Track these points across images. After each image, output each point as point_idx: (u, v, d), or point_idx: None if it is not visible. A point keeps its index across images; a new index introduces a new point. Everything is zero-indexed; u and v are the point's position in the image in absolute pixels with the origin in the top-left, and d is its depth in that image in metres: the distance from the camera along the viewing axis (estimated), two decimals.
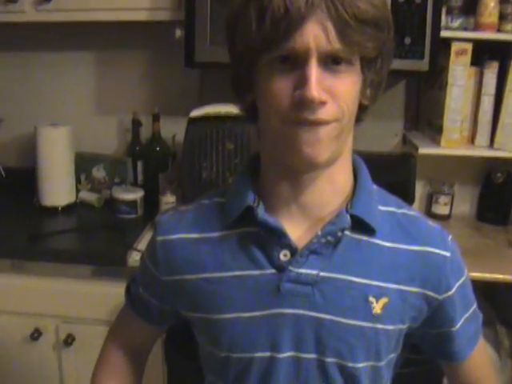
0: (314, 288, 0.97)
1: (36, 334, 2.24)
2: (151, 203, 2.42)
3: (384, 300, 1.00)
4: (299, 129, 0.89)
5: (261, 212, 0.98)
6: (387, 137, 2.62)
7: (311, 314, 0.98)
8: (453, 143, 2.25)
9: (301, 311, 0.98)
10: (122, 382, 1.23)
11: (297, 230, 0.99)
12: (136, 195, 2.41)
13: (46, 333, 2.25)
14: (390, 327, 1.01)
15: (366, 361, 1.01)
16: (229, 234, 1.02)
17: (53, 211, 2.50)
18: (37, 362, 2.31)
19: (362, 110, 0.98)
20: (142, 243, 2.21)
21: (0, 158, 2.78)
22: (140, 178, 2.61)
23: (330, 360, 1.00)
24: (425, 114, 2.53)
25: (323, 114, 0.88)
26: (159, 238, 1.07)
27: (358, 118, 0.98)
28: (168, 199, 2.31)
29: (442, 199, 2.55)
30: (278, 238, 0.98)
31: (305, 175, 0.96)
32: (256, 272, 0.99)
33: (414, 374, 1.76)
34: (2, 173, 2.75)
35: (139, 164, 2.60)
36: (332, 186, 0.99)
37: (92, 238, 2.28)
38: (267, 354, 1.00)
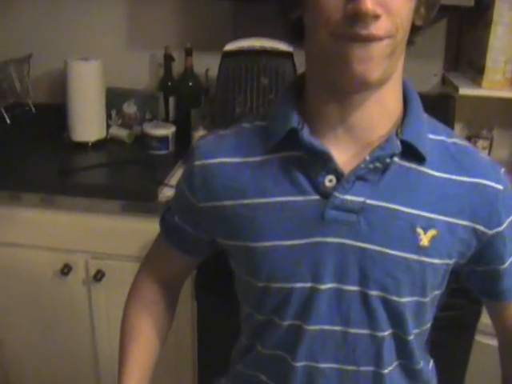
0: (359, 216, 0.92)
1: (66, 270, 2.23)
2: (183, 139, 2.37)
3: (432, 232, 0.95)
4: (350, 45, 0.83)
5: (306, 134, 0.93)
6: (426, 77, 2.53)
7: (356, 243, 0.93)
8: (494, 84, 2.17)
9: (345, 240, 0.93)
10: (154, 315, 1.20)
11: (343, 155, 0.93)
12: (168, 131, 2.36)
13: (76, 268, 2.24)
14: (436, 261, 0.96)
15: (410, 295, 0.96)
16: (271, 158, 0.97)
17: (83, 147, 2.46)
18: (66, 297, 2.31)
19: (413, 31, 0.92)
20: (174, 179, 2.17)
21: (30, 93, 2.73)
22: (172, 113, 2.56)
23: (373, 293, 0.95)
24: (466, 54, 2.44)
25: (376, 29, 0.82)
26: (197, 163, 1.03)
27: (409, 41, 0.92)
28: (200, 135, 2.25)
29: (481, 143, 2.47)
30: (324, 162, 0.92)
31: (353, 96, 0.91)
32: (299, 198, 0.94)
33: (449, 318, 1.71)
34: (32, 109, 2.72)
35: (171, 100, 2.55)
36: (381, 109, 0.93)
37: (122, 174, 2.25)
38: (308, 284, 0.95)
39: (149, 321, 1.19)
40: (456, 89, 2.21)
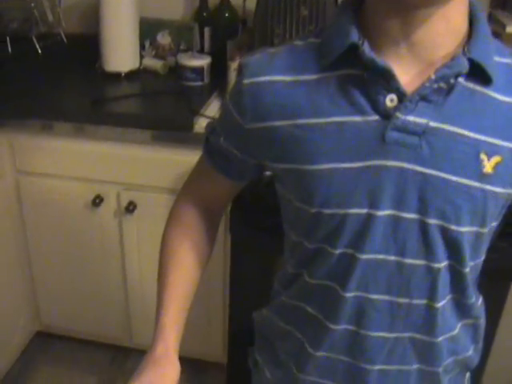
0: (421, 139, 0.86)
1: (97, 201, 2.21)
2: (219, 70, 2.31)
3: (496, 158, 0.89)
4: None
5: (367, 50, 0.86)
6: None
7: (416, 168, 0.87)
8: None
9: (405, 165, 0.87)
10: (195, 242, 1.15)
11: (405, 74, 0.87)
12: (203, 61, 2.30)
13: (108, 200, 2.23)
14: (499, 190, 0.90)
15: (470, 225, 0.91)
16: (327, 76, 0.91)
17: (115, 77, 2.40)
18: (98, 228, 2.30)
19: None
20: (210, 109, 2.12)
21: (62, 23, 2.67)
22: (207, 44, 2.49)
23: (432, 222, 0.90)
24: None
25: None
26: (246, 81, 0.96)
27: None
28: (237, 65, 2.18)
29: None
30: (385, 80, 0.86)
31: (418, 11, 0.84)
32: (357, 118, 0.88)
33: (488, 260, 1.67)
34: (64, 38, 2.66)
35: (206, 30, 2.47)
36: (447, 26, 0.86)
37: (156, 104, 2.20)
38: (364, 210, 0.90)
39: (189, 248, 1.14)
40: (503, 26, 2.11)
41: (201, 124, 1.99)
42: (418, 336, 1.00)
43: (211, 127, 1.10)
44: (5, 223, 2.34)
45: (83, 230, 2.32)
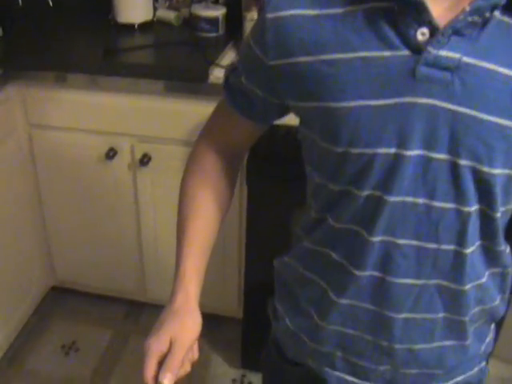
0: (453, 75, 0.82)
1: (111, 153, 2.18)
2: (234, 21, 2.26)
3: None
4: None
5: None
6: None
7: (448, 105, 0.83)
8: None
9: (436, 102, 0.83)
10: (215, 188, 1.12)
11: (437, 6, 0.82)
12: (218, 12, 2.25)
13: (121, 152, 2.20)
14: None
15: (503, 167, 0.87)
16: (354, 9, 0.86)
17: (129, 28, 2.36)
18: (112, 181, 2.27)
19: None
20: (225, 60, 2.07)
21: None
22: None
23: (463, 162, 0.86)
24: None
25: None
26: (269, 16, 0.92)
27: None
28: (253, 15, 2.13)
29: None
30: (417, 13, 0.81)
31: None
32: (387, 53, 0.84)
33: None
34: None
35: None
36: None
37: (170, 54, 2.16)
38: (392, 150, 0.86)
39: (209, 195, 1.11)
40: None
41: (216, 74, 1.95)
42: (445, 283, 0.96)
43: (231, 67, 1.06)
44: (18, 178, 2.32)
45: (97, 183, 2.30)
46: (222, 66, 1.96)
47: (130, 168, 2.22)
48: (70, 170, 2.31)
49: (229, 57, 2.11)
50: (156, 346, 0.94)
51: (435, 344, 1.03)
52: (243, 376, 2.44)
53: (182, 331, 0.96)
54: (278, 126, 1.79)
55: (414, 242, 0.92)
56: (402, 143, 0.85)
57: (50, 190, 2.40)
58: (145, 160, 2.14)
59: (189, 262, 1.04)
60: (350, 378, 1.09)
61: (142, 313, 2.69)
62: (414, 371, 1.06)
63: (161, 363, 0.93)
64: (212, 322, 2.49)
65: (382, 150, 0.86)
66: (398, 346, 1.02)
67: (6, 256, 2.34)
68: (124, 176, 2.24)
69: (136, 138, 2.15)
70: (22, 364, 2.49)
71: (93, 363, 2.50)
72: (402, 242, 0.92)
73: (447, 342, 1.04)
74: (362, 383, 1.09)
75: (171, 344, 0.94)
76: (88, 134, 2.20)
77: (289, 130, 1.73)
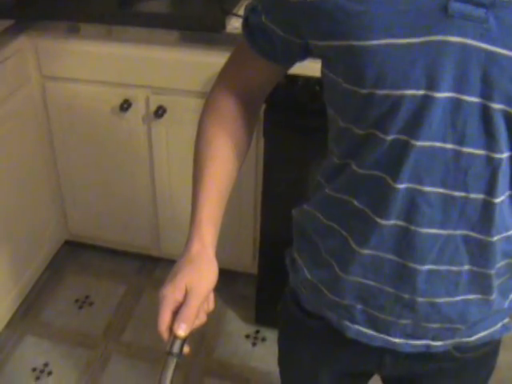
0: (488, 12, 0.77)
1: (125, 105, 2.15)
2: None
3: None
4: None
5: None
6: None
7: (481, 45, 0.78)
8: None
9: (469, 41, 0.78)
10: (233, 133, 1.08)
11: None
12: None
13: (136, 104, 2.17)
14: None
15: None
16: None
17: None
18: (126, 134, 2.25)
19: None
20: (242, 10, 2.01)
21: None
22: None
23: (496, 106, 0.81)
24: None
25: None
26: None
27: None
28: None
29: None
30: None
31: None
32: None
33: None
34: None
35: None
36: None
37: (186, 4, 2.10)
38: (421, 92, 0.82)
39: (227, 140, 1.07)
40: None
41: (233, 24, 1.90)
42: (472, 234, 0.93)
43: (251, 6, 1.01)
44: (31, 130, 2.30)
45: (111, 136, 2.27)
46: (239, 16, 1.91)
47: (145, 120, 2.19)
48: (83, 123, 2.28)
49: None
50: (171, 295, 0.91)
51: (459, 298, 0.99)
52: (257, 332, 2.43)
53: (198, 280, 0.93)
54: (296, 76, 1.77)
55: (441, 190, 0.88)
56: (432, 84, 0.81)
57: (63, 142, 2.37)
58: (159, 112, 2.10)
59: (205, 209, 1.00)
60: (369, 332, 1.07)
61: (155, 267, 2.68)
62: (435, 325, 1.03)
63: (176, 313, 0.91)
64: (226, 278, 2.47)
65: (410, 92, 0.82)
66: (420, 299, 0.98)
67: (20, 210, 2.32)
68: (138, 128, 2.21)
69: (151, 89, 2.12)
70: (35, 318, 2.50)
71: (106, 317, 2.50)
72: (427, 189, 0.88)
73: (471, 296, 1.00)
74: (381, 337, 1.06)
75: (187, 293, 0.92)
76: (102, 85, 2.17)
77: (307, 80, 1.69)
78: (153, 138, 2.21)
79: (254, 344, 2.38)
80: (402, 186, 0.88)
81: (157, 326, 0.91)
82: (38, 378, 2.25)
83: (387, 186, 0.90)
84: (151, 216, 2.45)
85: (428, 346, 1.06)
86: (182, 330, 0.89)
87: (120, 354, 2.34)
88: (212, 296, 0.98)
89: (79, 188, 2.48)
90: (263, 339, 2.40)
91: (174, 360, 0.89)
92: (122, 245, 2.65)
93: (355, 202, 0.96)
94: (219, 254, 1.00)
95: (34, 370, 2.28)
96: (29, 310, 2.51)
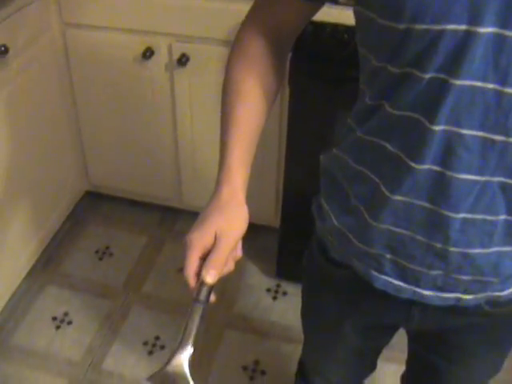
0: None
1: (148, 53, 2.12)
2: None
3: None
4: None
5: None
6: None
7: None
8: None
9: None
10: (262, 73, 1.03)
11: None
12: None
13: (159, 52, 2.13)
14: None
15: None
16: None
17: None
18: (148, 82, 2.21)
19: None
20: None
21: None
22: None
23: None
24: None
25: None
26: None
27: None
28: None
29: None
30: None
31: None
32: None
33: None
34: None
35: None
36: None
37: None
38: (462, 27, 0.77)
39: (256, 82, 1.02)
40: None
41: None
42: (510, 181, 0.88)
43: None
44: (52, 78, 2.27)
45: (132, 84, 2.24)
46: None
47: (168, 69, 2.15)
48: (105, 71, 2.25)
49: None
50: (199, 239, 0.88)
51: (493, 249, 0.95)
52: (278, 285, 2.42)
53: (228, 226, 0.90)
54: (323, 23, 1.72)
55: (480, 133, 0.84)
56: (474, 18, 0.76)
57: (84, 91, 2.34)
58: (183, 60, 2.07)
59: (235, 153, 0.97)
60: (397, 283, 1.03)
61: (177, 219, 2.66)
62: (467, 278, 0.99)
63: (203, 260, 0.88)
64: (247, 231, 2.46)
65: (451, 27, 0.77)
66: (452, 249, 0.94)
67: (41, 160, 2.31)
68: (161, 77, 2.18)
69: (174, 37, 2.08)
70: (56, 268, 2.50)
71: (126, 269, 2.49)
72: (466, 132, 0.84)
73: (506, 248, 0.96)
74: (410, 288, 1.03)
75: (216, 239, 0.89)
76: (124, 33, 2.13)
77: (335, 28, 1.64)
78: (175, 87, 2.18)
79: (274, 298, 2.37)
80: (438, 129, 0.84)
81: (184, 271, 0.88)
82: (58, 327, 2.26)
83: (423, 129, 0.85)
84: (173, 167, 2.43)
85: (458, 300, 1.03)
86: (210, 277, 0.87)
87: (140, 305, 2.34)
88: (240, 244, 0.95)
89: (100, 138, 2.46)
90: (284, 293, 2.39)
91: (201, 307, 0.87)
92: (143, 196, 2.63)
93: (388, 146, 0.92)
94: None
95: (55, 319, 2.29)
96: (49, 260, 2.51)
